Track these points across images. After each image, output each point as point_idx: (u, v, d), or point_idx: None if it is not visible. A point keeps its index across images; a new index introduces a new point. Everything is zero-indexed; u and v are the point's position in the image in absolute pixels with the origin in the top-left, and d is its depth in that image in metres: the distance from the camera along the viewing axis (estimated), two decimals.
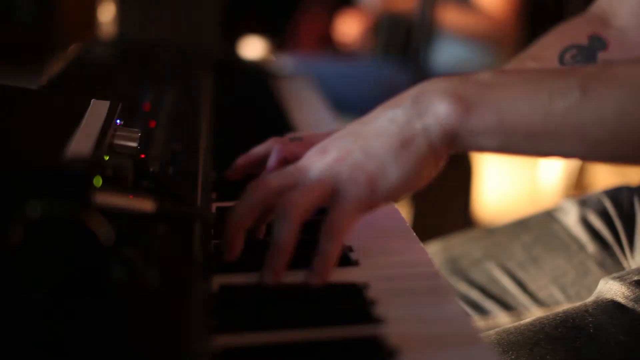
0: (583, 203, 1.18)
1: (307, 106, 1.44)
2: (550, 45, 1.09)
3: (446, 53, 2.75)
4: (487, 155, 3.66)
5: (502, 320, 1.16)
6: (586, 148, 0.70)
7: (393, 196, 0.74)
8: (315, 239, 0.72)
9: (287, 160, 0.92)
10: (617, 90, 0.68)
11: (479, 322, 1.17)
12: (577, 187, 3.10)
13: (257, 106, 1.42)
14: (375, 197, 0.73)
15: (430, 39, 2.27)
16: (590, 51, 1.06)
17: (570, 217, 1.18)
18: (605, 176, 2.92)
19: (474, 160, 2.87)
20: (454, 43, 2.76)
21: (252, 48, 3.20)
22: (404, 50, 2.79)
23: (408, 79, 2.17)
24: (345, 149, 0.74)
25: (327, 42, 3.91)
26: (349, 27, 3.11)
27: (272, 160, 0.93)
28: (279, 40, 3.89)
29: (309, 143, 0.92)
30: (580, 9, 1.17)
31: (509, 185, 3.35)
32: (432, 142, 0.73)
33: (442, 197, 2.52)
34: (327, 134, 0.94)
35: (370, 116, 0.77)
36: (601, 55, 1.06)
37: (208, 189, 0.91)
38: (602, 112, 0.68)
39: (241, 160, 0.96)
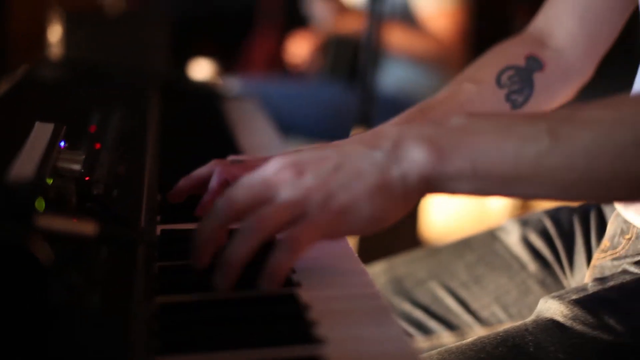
0: (524, 223, 1.21)
1: (253, 128, 1.45)
2: (488, 67, 1.12)
3: (393, 75, 2.78)
4: None
5: (446, 339, 1.18)
6: (558, 190, 0.73)
7: (358, 231, 0.76)
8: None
9: (229, 182, 0.93)
10: (585, 133, 0.71)
11: (423, 342, 1.18)
12: (523, 207, 3.14)
13: (204, 128, 1.43)
14: (341, 229, 0.75)
15: (378, 60, 2.29)
16: (527, 72, 1.10)
17: (512, 237, 1.20)
18: None
19: None
20: (402, 65, 2.79)
21: (201, 70, 3.21)
22: (351, 71, 2.82)
23: (355, 100, 2.19)
24: (323, 177, 0.74)
25: (277, 63, 3.93)
26: (298, 48, 3.13)
27: (213, 183, 0.93)
28: (229, 62, 3.90)
29: (250, 166, 0.93)
30: None
31: (456, 205, 3.38)
32: (407, 187, 0.74)
33: None
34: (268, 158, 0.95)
35: (349, 149, 0.77)
36: (537, 76, 1.10)
37: (152, 211, 0.91)
38: (571, 156, 0.71)
39: (183, 182, 0.97)
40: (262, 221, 0.72)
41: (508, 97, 1.09)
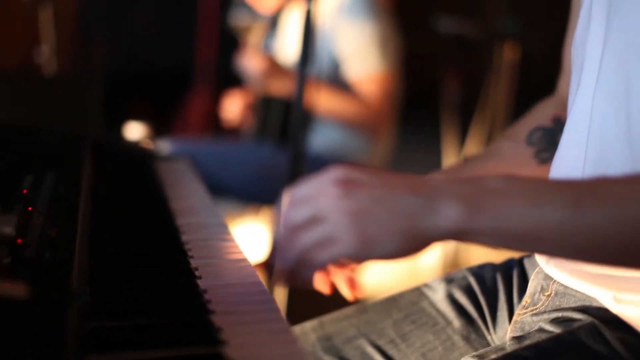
0: (449, 281, 1.24)
1: (184, 188, 1.47)
2: (523, 126, 1.24)
3: (324, 136, 2.81)
4: None
5: None
6: (574, 253, 0.82)
7: (377, 260, 0.86)
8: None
9: None
10: (604, 208, 0.79)
11: None
12: (454, 266, 3.19)
13: (135, 188, 1.44)
14: (364, 256, 0.84)
15: (308, 122, 2.32)
16: (552, 133, 1.20)
17: (438, 294, 1.23)
18: (480, 255, 3.02)
19: None
20: (332, 127, 2.82)
21: (134, 132, 3.22)
22: (282, 132, 2.85)
23: (286, 161, 2.21)
24: (363, 206, 0.83)
25: (213, 124, 3.96)
26: (232, 106, 3.16)
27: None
28: (164, 123, 3.91)
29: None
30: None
31: (389, 263, 3.41)
32: (434, 236, 0.83)
33: None
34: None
35: (394, 187, 0.85)
36: (560, 137, 1.18)
37: (84, 272, 0.93)
38: (590, 225, 0.79)
39: None
40: (307, 248, 0.84)
41: (536, 155, 1.20)
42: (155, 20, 4.89)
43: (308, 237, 0.84)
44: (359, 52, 2.79)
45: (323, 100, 2.69)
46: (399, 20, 3.11)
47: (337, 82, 2.82)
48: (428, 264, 3.34)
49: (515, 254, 1.25)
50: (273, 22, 3.09)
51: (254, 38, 2.97)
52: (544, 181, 0.84)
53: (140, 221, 1.01)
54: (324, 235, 0.83)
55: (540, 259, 1.10)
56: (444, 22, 3.59)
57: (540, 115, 1.25)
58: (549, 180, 0.84)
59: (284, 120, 2.85)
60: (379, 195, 0.83)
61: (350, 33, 2.79)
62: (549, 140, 1.20)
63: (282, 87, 2.85)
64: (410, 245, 0.83)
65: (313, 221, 0.84)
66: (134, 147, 2.05)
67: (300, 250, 0.84)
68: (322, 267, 0.87)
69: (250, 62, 2.88)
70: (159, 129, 3.61)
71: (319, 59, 2.70)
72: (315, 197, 0.85)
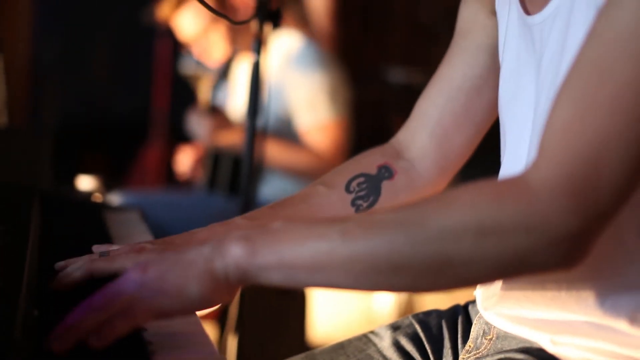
0: (395, 328, 1.25)
1: (132, 238, 1.47)
2: (342, 173, 1.24)
3: (274, 186, 2.83)
4: None
5: None
6: (351, 279, 0.87)
7: (188, 312, 0.93)
8: None
9: (93, 275, 1.07)
10: (368, 231, 0.86)
11: None
12: (407, 312, 3.20)
13: (84, 240, 1.43)
14: (174, 307, 0.91)
15: (259, 172, 2.33)
16: (376, 180, 1.22)
17: (385, 341, 1.24)
18: (433, 302, 3.04)
19: None
20: (281, 177, 2.84)
21: (86, 185, 3.21)
22: (231, 185, 2.87)
23: (237, 211, 2.23)
24: (161, 270, 0.91)
25: (168, 176, 3.96)
26: (183, 160, 3.17)
27: (76, 275, 1.08)
28: (119, 176, 3.91)
29: (113, 257, 1.08)
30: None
31: (343, 309, 3.42)
32: (228, 277, 0.90)
33: (275, 323, 2.56)
34: (131, 248, 1.10)
35: (186, 248, 0.95)
36: (385, 184, 1.22)
37: (28, 328, 0.92)
38: (355, 250, 0.85)
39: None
40: (111, 302, 0.89)
41: (353, 202, 1.21)
42: (109, 73, 4.90)
43: (119, 304, 0.89)
44: (309, 102, 2.82)
45: (273, 152, 2.71)
46: (349, 69, 3.16)
47: (288, 133, 2.84)
48: (382, 311, 3.35)
49: (460, 301, 1.27)
50: (223, 73, 3.12)
51: (203, 92, 2.99)
52: (320, 219, 0.94)
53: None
54: (132, 298, 0.89)
55: (480, 306, 1.12)
56: (394, 71, 3.64)
57: (364, 162, 1.26)
58: (327, 219, 0.92)
59: (233, 174, 2.87)
60: (175, 258, 0.92)
61: (299, 84, 2.82)
62: (370, 187, 1.22)
63: (231, 141, 2.87)
64: (214, 287, 0.90)
65: (118, 295, 0.90)
66: (83, 200, 2.05)
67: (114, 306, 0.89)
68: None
69: (198, 120, 2.90)
70: (112, 181, 3.60)
71: (268, 110, 2.72)
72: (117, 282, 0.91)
